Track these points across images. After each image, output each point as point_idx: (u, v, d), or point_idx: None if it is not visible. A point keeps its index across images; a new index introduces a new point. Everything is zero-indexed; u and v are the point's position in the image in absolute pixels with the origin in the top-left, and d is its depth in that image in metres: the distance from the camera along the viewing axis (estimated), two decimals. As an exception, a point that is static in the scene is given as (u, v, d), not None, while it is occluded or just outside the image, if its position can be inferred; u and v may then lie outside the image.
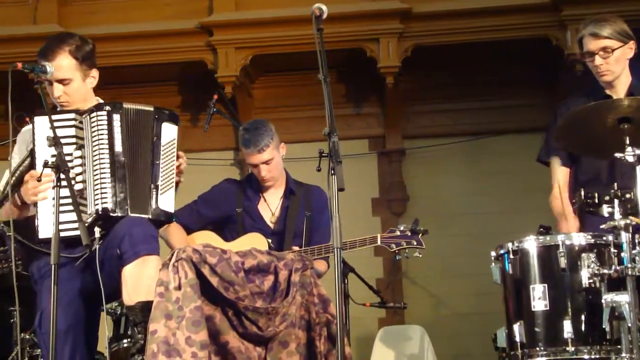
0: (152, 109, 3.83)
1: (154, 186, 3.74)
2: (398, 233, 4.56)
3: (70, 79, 3.78)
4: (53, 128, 3.50)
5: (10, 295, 3.75)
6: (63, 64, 3.77)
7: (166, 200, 3.77)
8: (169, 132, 3.83)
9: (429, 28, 7.48)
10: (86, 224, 3.55)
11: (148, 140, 3.78)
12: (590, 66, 4.14)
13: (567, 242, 3.56)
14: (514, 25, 7.33)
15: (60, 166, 3.39)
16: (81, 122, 3.71)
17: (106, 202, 3.62)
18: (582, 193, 3.76)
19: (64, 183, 3.41)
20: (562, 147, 4.08)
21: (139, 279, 3.45)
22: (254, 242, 4.41)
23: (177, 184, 3.87)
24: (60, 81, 3.77)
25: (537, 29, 7.33)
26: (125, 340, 4.95)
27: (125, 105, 3.75)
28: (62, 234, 3.47)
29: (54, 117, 3.58)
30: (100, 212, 3.60)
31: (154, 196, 3.73)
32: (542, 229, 3.70)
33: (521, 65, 7.93)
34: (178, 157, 3.87)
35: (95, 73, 3.91)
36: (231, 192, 4.80)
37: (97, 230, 3.59)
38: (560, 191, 4.17)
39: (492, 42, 7.40)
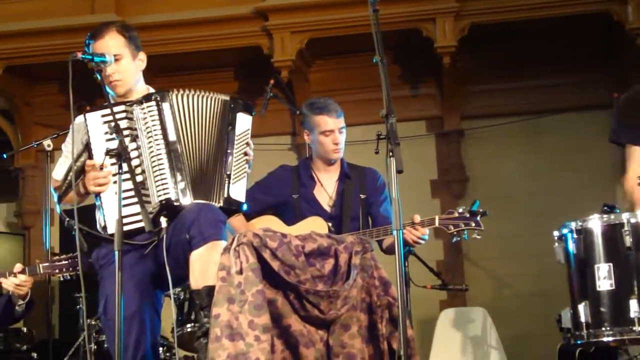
0: (227, 98, 3.81)
1: (227, 175, 3.73)
2: (456, 215, 4.51)
3: (121, 55, 3.80)
4: (113, 114, 3.55)
5: (76, 282, 3.82)
6: (113, 40, 3.81)
7: (238, 190, 3.76)
8: (243, 122, 3.82)
9: (485, 6, 7.40)
10: (151, 215, 3.58)
11: (217, 128, 3.76)
12: None
13: (633, 221, 3.49)
14: (574, 0, 7.19)
15: (121, 154, 3.43)
16: (132, 114, 3.70)
17: (168, 192, 3.61)
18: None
19: (125, 170, 3.46)
20: (628, 123, 3.98)
21: (207, 264, 3.46)
22: (315, 226, 4.41)
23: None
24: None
25: (597, 4, 7.20)
26: (188, 325, 5.01)
27: (179, 92, 3.72)
28: (129, 227, 3.52)
29: (103, 112, 3.61)
30: (163, 203, 3.61)
31: (226, 185, 3.72)
32: (606, 208, 3.64)
33: (580, 41, 7.80)
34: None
35: (142, 56, 3.92)
36: (286, 178, 4.80)
37: (163, 220, 3.61)
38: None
39: (551, 18, 7.29)
